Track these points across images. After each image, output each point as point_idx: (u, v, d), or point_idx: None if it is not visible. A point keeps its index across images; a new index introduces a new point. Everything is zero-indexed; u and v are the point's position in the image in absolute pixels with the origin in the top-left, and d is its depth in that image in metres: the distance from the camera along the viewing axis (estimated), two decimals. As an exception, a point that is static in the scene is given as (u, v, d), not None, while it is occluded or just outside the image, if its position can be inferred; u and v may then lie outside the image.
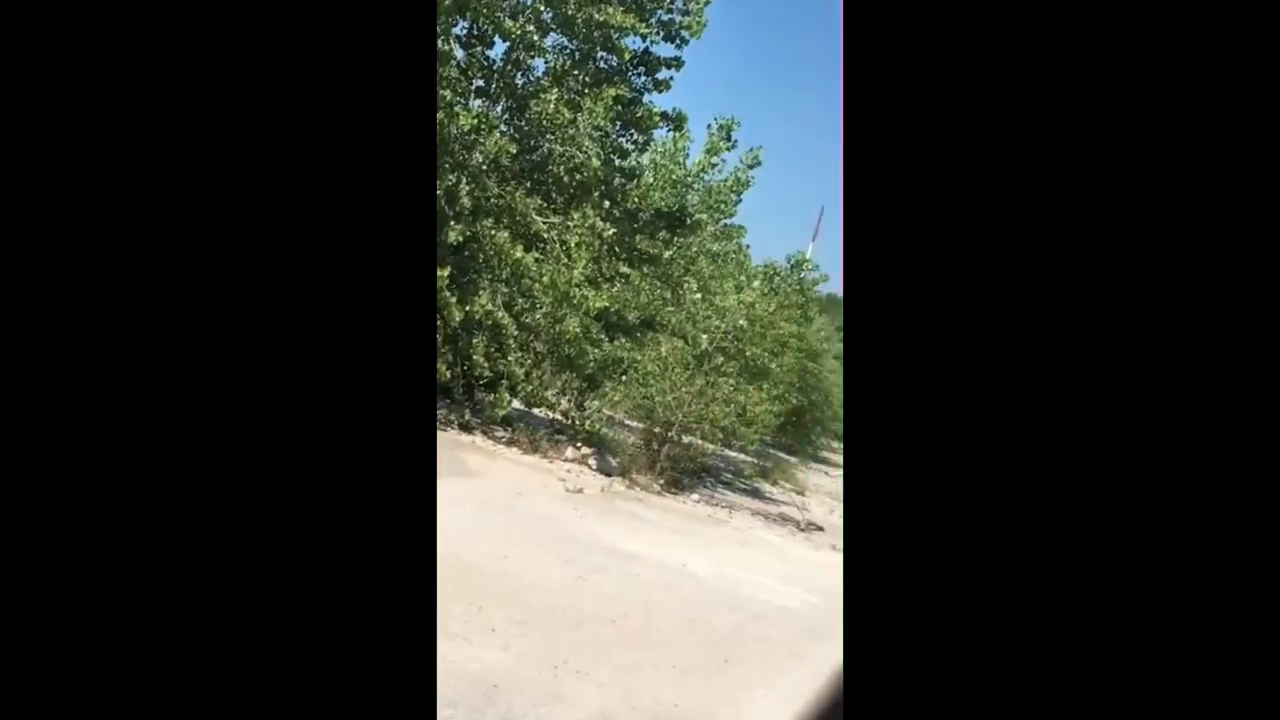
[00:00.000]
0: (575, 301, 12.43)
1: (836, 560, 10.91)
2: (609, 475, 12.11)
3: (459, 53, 12.53)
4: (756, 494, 14.91)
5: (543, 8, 12.79)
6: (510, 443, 12.24)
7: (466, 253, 12.53)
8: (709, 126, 15.93)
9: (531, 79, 13.40)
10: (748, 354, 13.77)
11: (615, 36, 12.93)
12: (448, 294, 11.68)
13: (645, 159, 14.76)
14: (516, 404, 12.89)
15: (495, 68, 13.25)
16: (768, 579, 8.88)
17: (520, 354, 12.59)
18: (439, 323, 11.51)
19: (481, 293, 12.27)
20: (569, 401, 13.09)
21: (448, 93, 11.76)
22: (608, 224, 13.31)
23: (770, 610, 7.71)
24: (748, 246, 15.67)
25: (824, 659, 6.79)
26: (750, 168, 15.88)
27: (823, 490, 18.10)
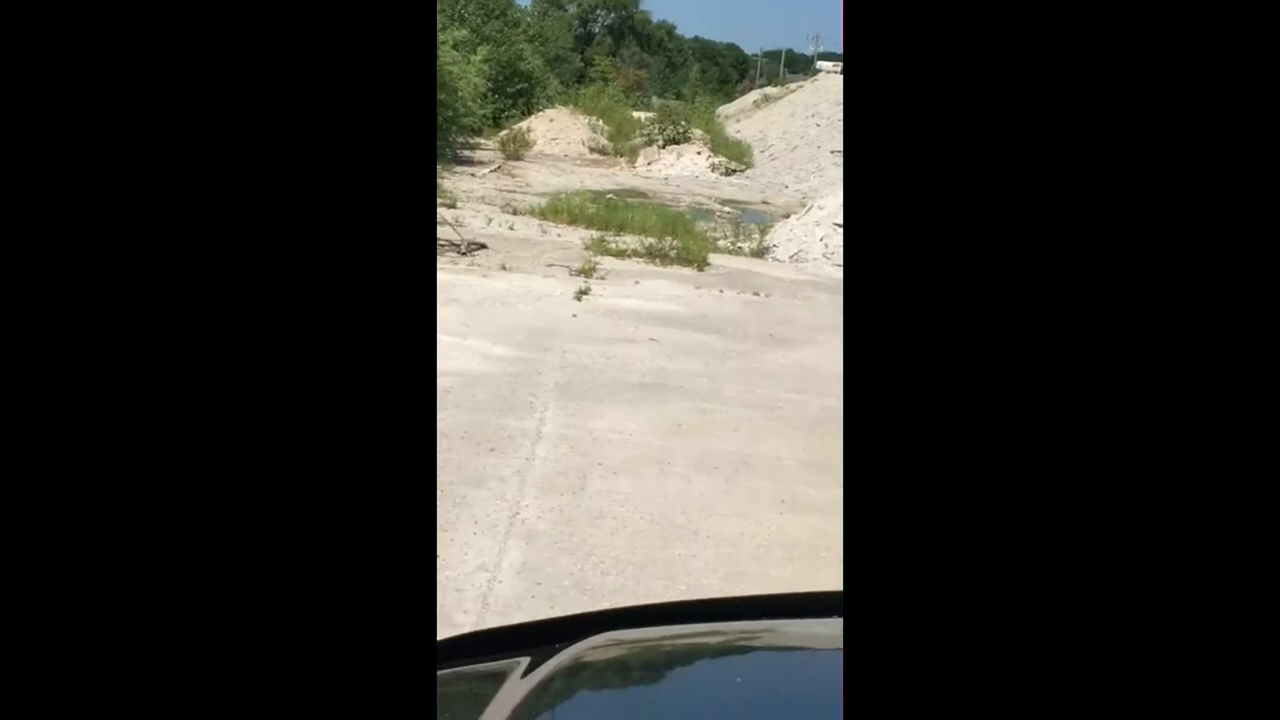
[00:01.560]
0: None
1: (509, 286, 9.34)
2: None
3: None
4: (404, 220, 12.91)
5: None
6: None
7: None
8: None
9: None
10: (356, 63, 11.37)
11: None
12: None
13: None
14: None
15: None
16: (439, 335, 7.20)
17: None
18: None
19: None
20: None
21: None
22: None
23: (451, 385, 6.08)
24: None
25: (524, 438, 5.29)
26: None
27: (474, 196, 16.30)
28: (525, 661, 1.37)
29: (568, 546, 4.12)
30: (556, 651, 1.38)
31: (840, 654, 0.89)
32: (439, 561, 3.87)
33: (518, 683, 1.32)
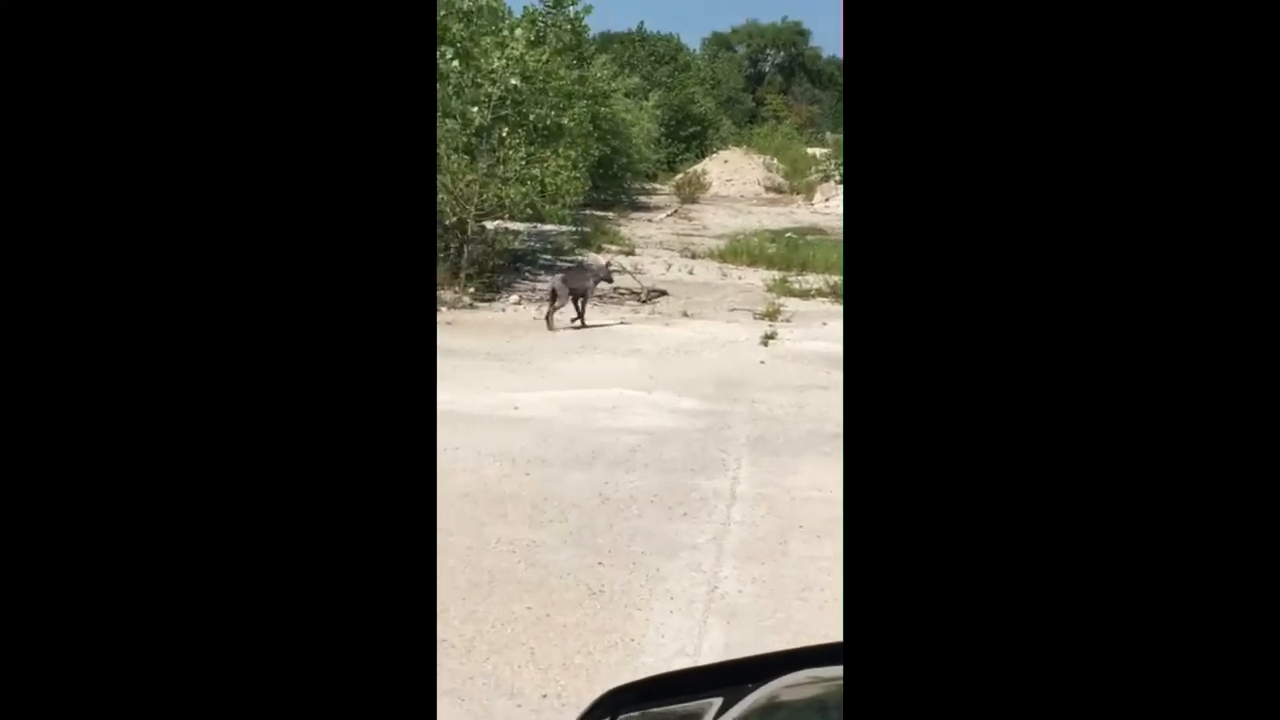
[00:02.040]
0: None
1: (693, 334, 9.07)
2: (409, 302, 9.86)
3: None
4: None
5: None
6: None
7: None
8: None
9: None
10: (531, 117, 11.41)
11: None
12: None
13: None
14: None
15: None
16: (623, 389, 6.96)
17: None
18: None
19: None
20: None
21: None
22: (323, 1, 10.46)
23: (638, 443, 5.80)
24: (501, -6, 12.84)
25: (717, 499, 4.94)
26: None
27: (652, 242, 16.20)
28: (718, 702, 1.33)
29: (773, 624, 3.74)
30: (749, 691, 1.33)
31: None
32: (634, 643, 3.57)
33: None
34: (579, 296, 9.30)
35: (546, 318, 9.13)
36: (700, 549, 4.39)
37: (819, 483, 5.23)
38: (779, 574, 4.15)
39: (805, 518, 4.75)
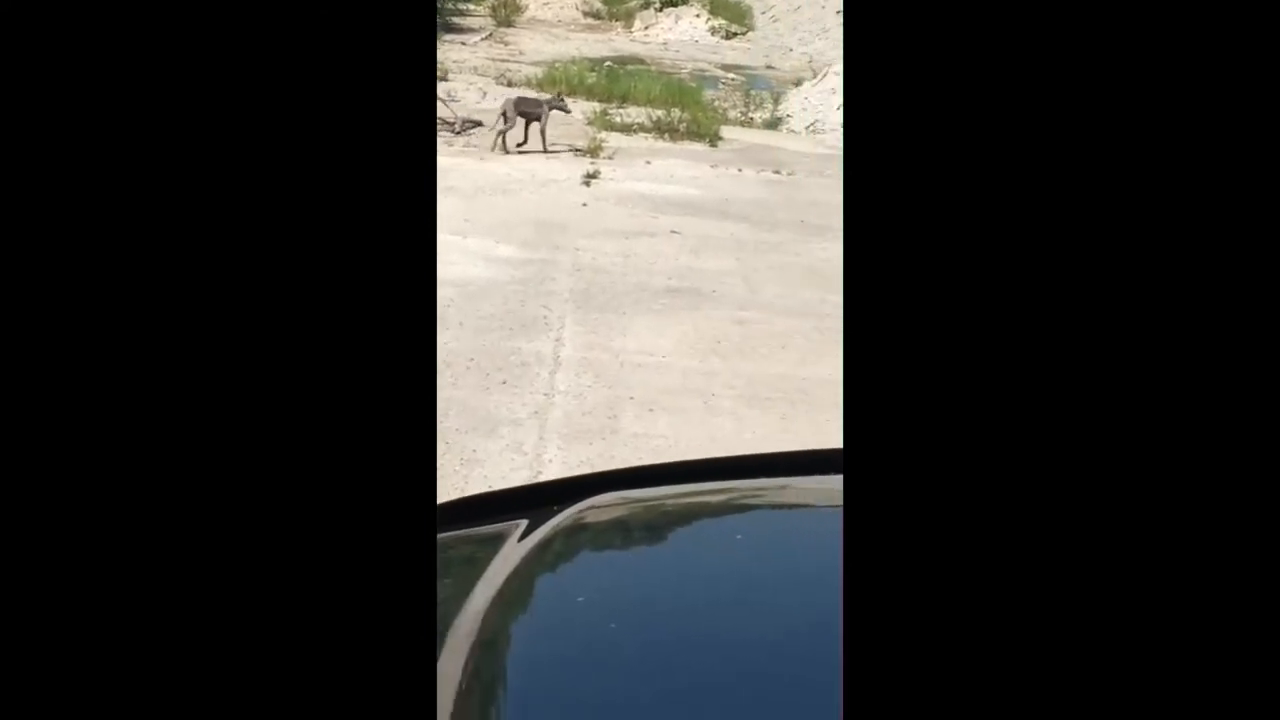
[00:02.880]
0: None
1: (510, 170, 8.32)
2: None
3: None
4: (392, 95, 11.75)
5: None
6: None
7: None
8: None
9: None
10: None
11: None
12: None
13: None
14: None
15: None
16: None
17: None
18: None
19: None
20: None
21: None
22: None
23: (452, 297, 5.15)
24: None
25: (540, 364, 4.41)
26: None
27: (466, 67, 15.05)
28: (524, 524, 1.32)
29: (604, 517, 3.29)
30: (555, 514, 1.33)
31: (840, 511, 0.83)
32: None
33: (515, 545, 1.26)
34: (530, 120, 9.00)
35: (501, 137, 8.87)
36: (522, 425, 3.87)
37: (650, 347, 4.75)
38: (609, 455, 3.68)
39: (636, 387, 4.28)
